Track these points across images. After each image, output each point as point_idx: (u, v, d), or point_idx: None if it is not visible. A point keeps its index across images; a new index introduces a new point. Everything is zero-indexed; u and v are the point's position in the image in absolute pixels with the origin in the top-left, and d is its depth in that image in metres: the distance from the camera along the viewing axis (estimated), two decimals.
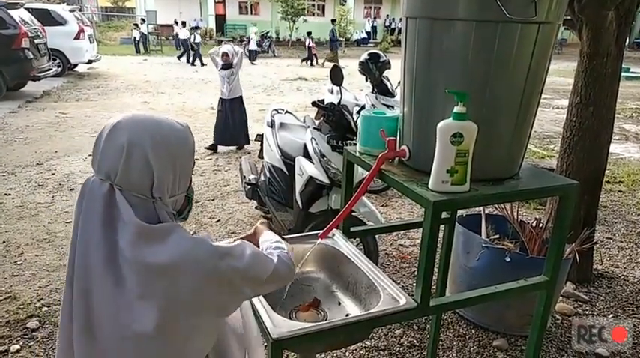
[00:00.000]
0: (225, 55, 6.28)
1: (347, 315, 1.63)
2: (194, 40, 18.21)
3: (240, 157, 4.99)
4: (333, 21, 21.65)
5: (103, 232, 0.99)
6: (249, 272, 1.09)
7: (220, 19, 29.80)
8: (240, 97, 6.51)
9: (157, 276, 0.99)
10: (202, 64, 17.24)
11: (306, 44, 19.20)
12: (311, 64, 18.74)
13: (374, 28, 31.65)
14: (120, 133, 1.01)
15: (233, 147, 6.60)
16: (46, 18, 12.13)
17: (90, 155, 6.72)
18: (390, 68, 5.22)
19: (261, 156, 4.41)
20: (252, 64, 18.35)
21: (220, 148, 6.53)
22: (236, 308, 1.17)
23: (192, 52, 17.92)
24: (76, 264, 1.02)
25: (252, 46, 19.27)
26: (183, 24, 20.29)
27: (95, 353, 1.05)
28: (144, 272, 0.99)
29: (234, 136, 6.52)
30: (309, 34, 19.45)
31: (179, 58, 18.68)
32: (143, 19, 23.18)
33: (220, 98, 6.44)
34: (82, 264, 1.02)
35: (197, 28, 20.28)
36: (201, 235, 1.07)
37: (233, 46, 6.99)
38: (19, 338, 2.70)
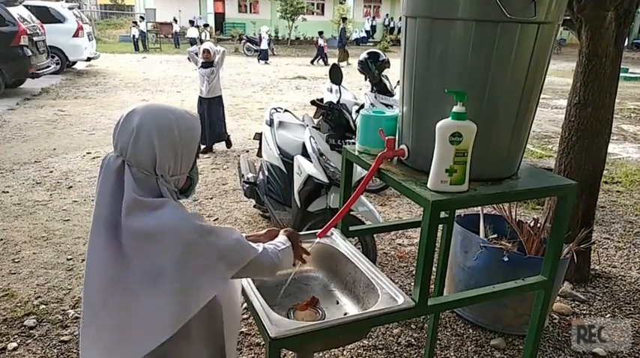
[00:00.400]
0: (206, 52, 6.08)
1: (345, 314, 1.63)
2: (205, 37, 18.06)
3: (239, 156, 4.97)
4: (344, 19, 21.43)
5: (112, 205, 1.12)
6: (226, 252, 1.19)
7: (219, 17, 29.75)
8: (220, 97, 6.27)
9: (142, 242, 1.12)
10: None
11: (318, 43, 19.00)
12: (311, 63, 18.69)
13: (373, 27, 31.60)
14: (133, 118, 1.17)
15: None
16: (45, 15, 12.11)
17: (88, 153, 6.69)
18: (389, 67, 5.23)
19: (259, 154, 4.41)
20: (266, 63, 18.09)
21: (217, 147, 6.45)
22: (214, 288, 1.20)
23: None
24: (88, 240, 1.17)
25: (264, 46, 18.88)
26: (191, 22, 20.19)
27: (100, 334, 1.19)
28: (133, 238, 1.12)
29: (212, 135, 6.24)
30: (320, 33, 19.32)
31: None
32: (142, 17, 23.14)
33: (199, 97, 6.22)
34: (91, 238, 1.16)
35: (207, 25, 20.17)
36: (192, 212, 1.18)
37: (215, 44, 6.84)
38: (16, 336, 2.69)
